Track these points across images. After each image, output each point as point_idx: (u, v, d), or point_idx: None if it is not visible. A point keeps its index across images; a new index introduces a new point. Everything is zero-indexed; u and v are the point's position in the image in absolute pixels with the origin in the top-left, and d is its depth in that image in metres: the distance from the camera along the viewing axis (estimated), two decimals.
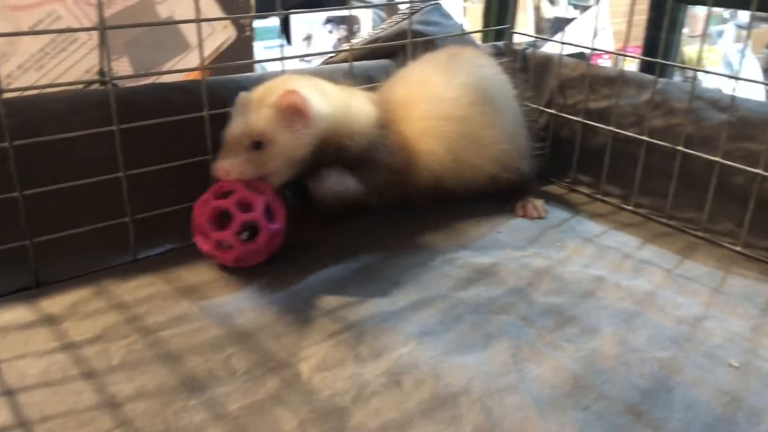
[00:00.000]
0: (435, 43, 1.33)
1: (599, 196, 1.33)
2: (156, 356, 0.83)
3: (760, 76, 2.93)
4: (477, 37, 1.52)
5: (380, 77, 1.28)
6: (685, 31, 2.37)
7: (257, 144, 0.99)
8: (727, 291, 1.02)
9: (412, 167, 1.14)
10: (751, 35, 2.34)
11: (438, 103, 1.16)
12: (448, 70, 1.19)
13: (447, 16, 1.39)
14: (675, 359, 0.85)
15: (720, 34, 3.20)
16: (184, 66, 1.69)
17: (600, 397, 0.78)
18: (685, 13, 1.71)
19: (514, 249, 1.12)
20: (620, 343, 0.88)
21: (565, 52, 1.39)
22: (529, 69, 1.45)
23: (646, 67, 1.54)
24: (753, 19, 1.15)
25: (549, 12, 3.01)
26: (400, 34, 1.31)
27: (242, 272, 1.01)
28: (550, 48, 1.45)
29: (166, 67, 1.69)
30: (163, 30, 1.68)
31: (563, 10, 2.92)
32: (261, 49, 2.16)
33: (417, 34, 1.29)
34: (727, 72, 2.77)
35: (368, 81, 1.27)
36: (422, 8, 1.36)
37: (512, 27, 1.46)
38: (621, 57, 1.35)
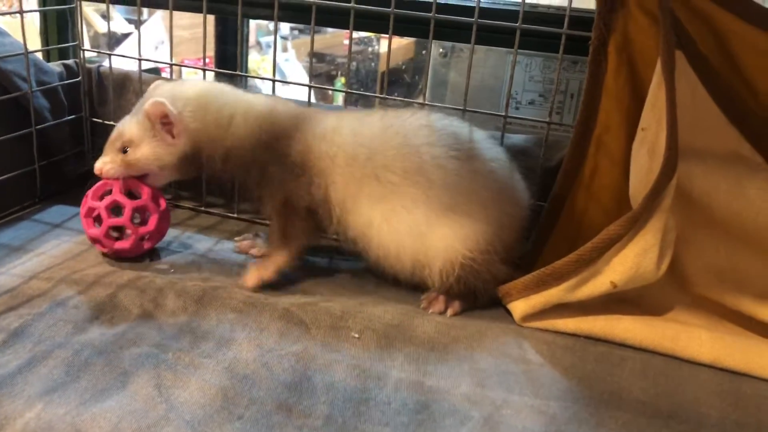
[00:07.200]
0: None
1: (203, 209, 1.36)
2: None
3: (306, 79, 3.29)
4: (40, 56, 1.38)
5: None
6: None
7: (124, 148, 1.05)
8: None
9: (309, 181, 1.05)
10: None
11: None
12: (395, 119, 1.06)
13: (3, 33, 1.23)
14: (307, 349, 0.92)
15: (269, 44, 3.48)
16: None
17: (251, 402, 0.80)
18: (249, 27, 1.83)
19: (130, 271, 1.07)
20: (257, 346, 0.91)
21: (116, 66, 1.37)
22: (106, 87, 1.38)
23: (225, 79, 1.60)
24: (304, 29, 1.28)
25: (103, 27, 2.89)
26: None
27: None
28: (122, 64, 1.40)
29: None
30: None
31: (118, 25, 2.83)
32: None
33: None
34: (278, 77, 3.04)
35: None
36: None
37: (81, 44, 1.36)
38: (194, 70, 1.38)
